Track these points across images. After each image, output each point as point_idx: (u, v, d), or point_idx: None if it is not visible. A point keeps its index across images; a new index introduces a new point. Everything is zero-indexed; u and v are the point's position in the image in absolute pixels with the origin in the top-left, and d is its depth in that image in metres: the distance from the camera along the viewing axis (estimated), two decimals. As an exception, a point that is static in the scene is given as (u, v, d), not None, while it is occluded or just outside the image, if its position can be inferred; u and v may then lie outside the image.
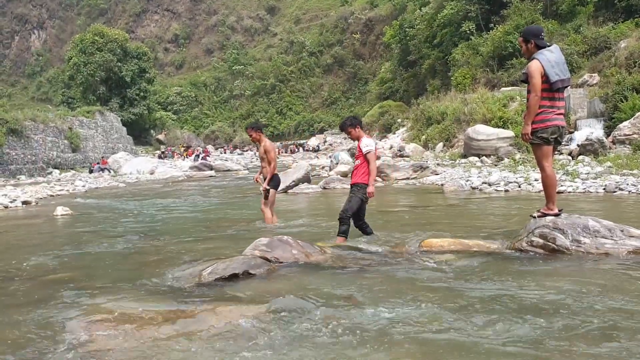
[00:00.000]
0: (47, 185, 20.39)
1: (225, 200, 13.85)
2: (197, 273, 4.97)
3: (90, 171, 32.11)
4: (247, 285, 4.66)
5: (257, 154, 8.62)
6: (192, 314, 3.83)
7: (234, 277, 4.83)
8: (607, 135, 17.03)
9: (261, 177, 8.58)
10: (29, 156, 28.63)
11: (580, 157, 15.69)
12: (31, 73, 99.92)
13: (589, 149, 15.99)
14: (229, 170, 32.66)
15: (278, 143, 59.28)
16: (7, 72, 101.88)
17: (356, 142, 6.70)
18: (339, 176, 17.76)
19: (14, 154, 27.26)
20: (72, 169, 32.96)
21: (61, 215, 11.22)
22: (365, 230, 6.67)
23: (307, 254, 5.58)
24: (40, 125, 31.22)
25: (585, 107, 19.72)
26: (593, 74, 21.98)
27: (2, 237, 8.88)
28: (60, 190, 18.94)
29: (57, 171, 30.03)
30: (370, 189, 6.40)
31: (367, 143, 6.47)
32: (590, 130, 17.64)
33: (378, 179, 16.93)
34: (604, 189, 10.76)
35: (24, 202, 14.21)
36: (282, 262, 5.34)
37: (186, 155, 51.43)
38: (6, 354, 3.25)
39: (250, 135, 8.47)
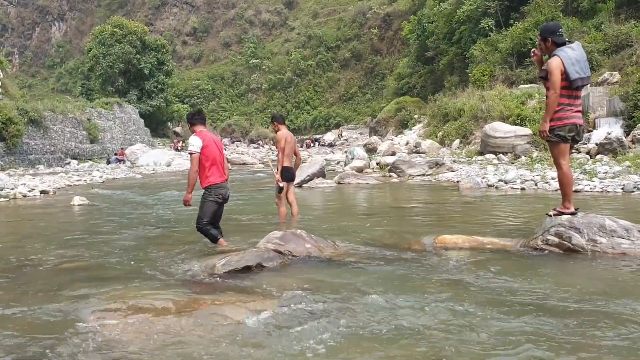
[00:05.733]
0: (65, 176, 20.62)
1: (240, 193, 13.89)
2: (211, 265, 5.01)
3: (108, 162, 32.41)
4: (260, 278, 4.69)
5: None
6: (205, 305, 3.86)
7: (247, 270, 4.86)
8: (627, 134, 16.79)
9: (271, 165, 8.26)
10: (47, 146, 28.92)
11: (599, 156, 15.50)
12: (51, 64, 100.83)
13: (607, 148, 15.77)
14: (244, 163, 32.80)
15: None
16: (27, 63, 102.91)
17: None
18: (354, 171, 17.75)
19: (33, 143, 27.57)
20: (90, 159, 33.27)
21: (78, 205, 11.34)
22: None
23: (321, 248, 5.59)
24: (59, 116, 31.54)
25: (604, 106, 19.46)
26: (613, 72, 21.66)
27: (20, 225, 9.00)
28: (77, 181, 19.15)
29: (75, 161, 30.31)
30: (186, 197, 5.96)
31: (192, 142, 5.92)
32: (609, 129, 17.41)
33: (393, 174, 16.90)
34: (622, 188, 10.62)
35: (42, 192, 14.38)
36: (295, 256, 5.35)
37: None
38: (22, 341, 3.30)
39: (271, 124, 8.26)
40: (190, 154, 5.89)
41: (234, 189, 15.03)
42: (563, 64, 5.23)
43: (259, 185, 15.99)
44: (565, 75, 5.24)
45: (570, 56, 5.27)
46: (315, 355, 2.97)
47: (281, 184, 7.98)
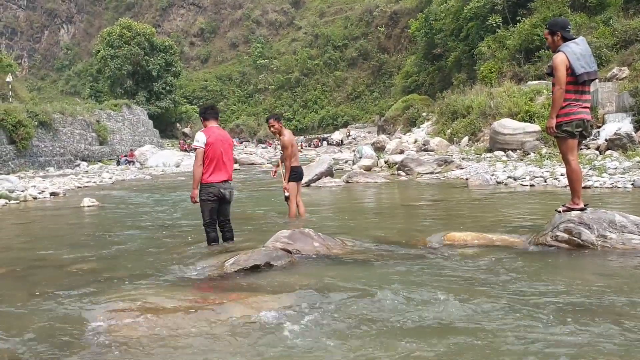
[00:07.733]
0: (75, 177, 20.72)
1: (248, 193, 13.92)
2: (220, 264, 5.03)
3: (118, 163, 32.54)
4: (269, 276, 4.69)
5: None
6: (214, 304, 3.87)
7: (255, 269, 4.86)
8: (637, 129, 16.69)
9: (280, 170, 8.43)
10: (57, 148, 29.08)
11: (608, 152, 15.42)
12: (60, 67, 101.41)
13: (617, 143, 15.69)
14: (252, 163, 32.86)
15: (302, 137, 59.28)
16: (37, 65, 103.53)
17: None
18: (362, 170, 17.73)
19: (43, 146, 27.73)
20: (99, 161, 33.41)
21: (88, 206, 11.40)
22: (224, 234, 6.24)
23: (328, 246, 5.59)
24: (69, 118, 31.68)
25: (614, 101, 19.35)
26: (623, 68, 21.51)
27: (30, 227, 9.06)
28: (87, 182, 19.25)
29: (85, 163, 30.47)
30: (192, 192, 6.01)
31: (197, 137, 5.94)
32: (618, 124, 17.30)
33: (401, 173, 16.86)
34: (632, 184, 10.56)
35: (52, 194, 14.47)
36: (303, 254, 5.36)
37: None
38: (33, 341, 3.32)
39: (272, 126, 8.07)
40: (194, 149, 5.93)
41: (243, 189, 15.07)
42: (568, 59, 5.21)
43: (267, 185, 16.01)
44: (570, 70, 5.22)
45: (575, 51, 5.25)
46: (328, 352, 2.97)
47: (286, 194, 8.04)
